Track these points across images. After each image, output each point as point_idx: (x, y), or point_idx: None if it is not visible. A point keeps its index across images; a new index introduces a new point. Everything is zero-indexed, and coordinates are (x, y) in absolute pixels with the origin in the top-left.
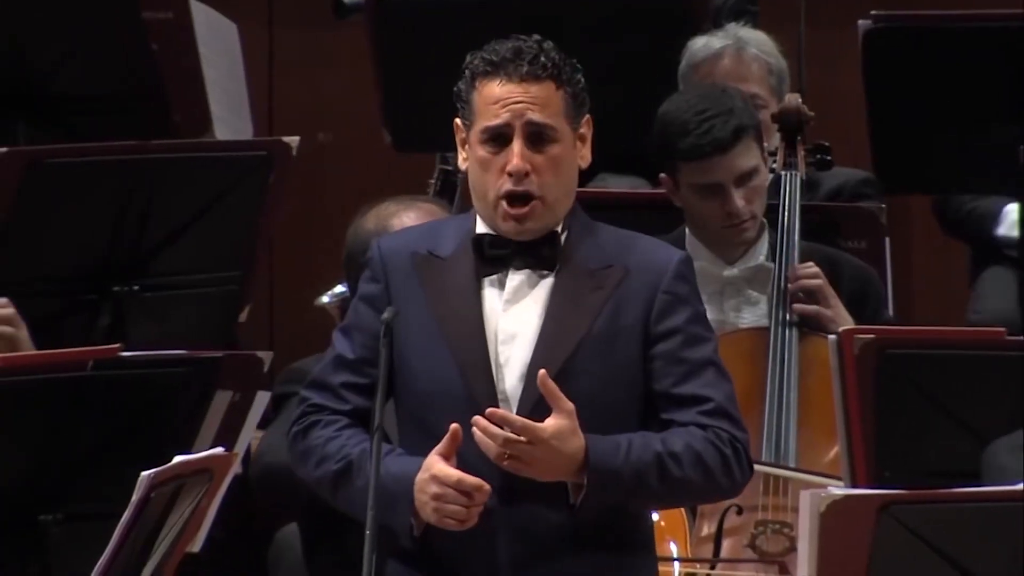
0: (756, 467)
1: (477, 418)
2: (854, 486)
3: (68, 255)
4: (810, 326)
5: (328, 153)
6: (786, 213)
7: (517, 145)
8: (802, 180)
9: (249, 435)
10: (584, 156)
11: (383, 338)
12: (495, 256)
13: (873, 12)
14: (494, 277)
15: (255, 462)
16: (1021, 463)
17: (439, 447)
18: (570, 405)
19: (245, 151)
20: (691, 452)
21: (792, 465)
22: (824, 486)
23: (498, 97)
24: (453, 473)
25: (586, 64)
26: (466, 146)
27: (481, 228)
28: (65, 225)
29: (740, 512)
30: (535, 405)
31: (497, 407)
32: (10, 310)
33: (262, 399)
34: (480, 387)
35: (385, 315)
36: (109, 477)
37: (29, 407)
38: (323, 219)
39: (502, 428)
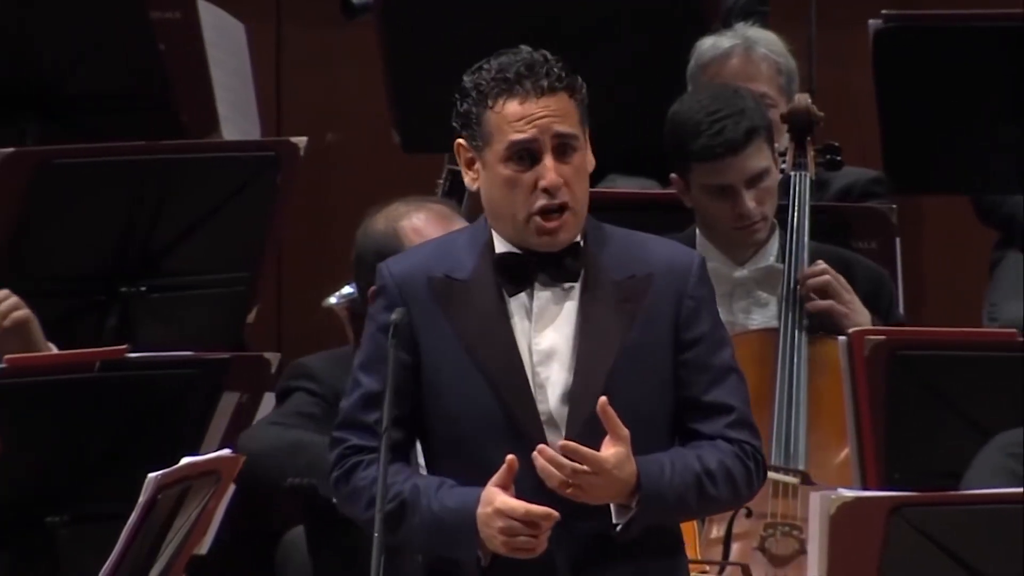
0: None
1: (543, 448)
2: (864, 488)
3: (76, 256)
4: (826, 324)
5: (336, 153)
6: (796, 214)
7: (550, 160)
8: (812, 180)
9: None
10: (590, 161)
11: (391, 339)
12: (519, 275)
13: (884, 11)
14: (520, 295)
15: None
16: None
17: (496, 479)
18: (626, 431)
19: (253, 151)
20: (723, 469)
21: (802, 467)
22: (834, 488)
23: (522, 114)
24: (519, 506)
25: (594, 64)
26: (474, 166)
27: (501, 247)
28: (74, 226)
29: (749, 515)
30: (583, 427)
31: (543, 431)
32: (14, 298)
33: (269, 400)
34: (522, 411)
35: (393, 316)
36: (116, 479)
37: (36, 408)
38: (331, 220)
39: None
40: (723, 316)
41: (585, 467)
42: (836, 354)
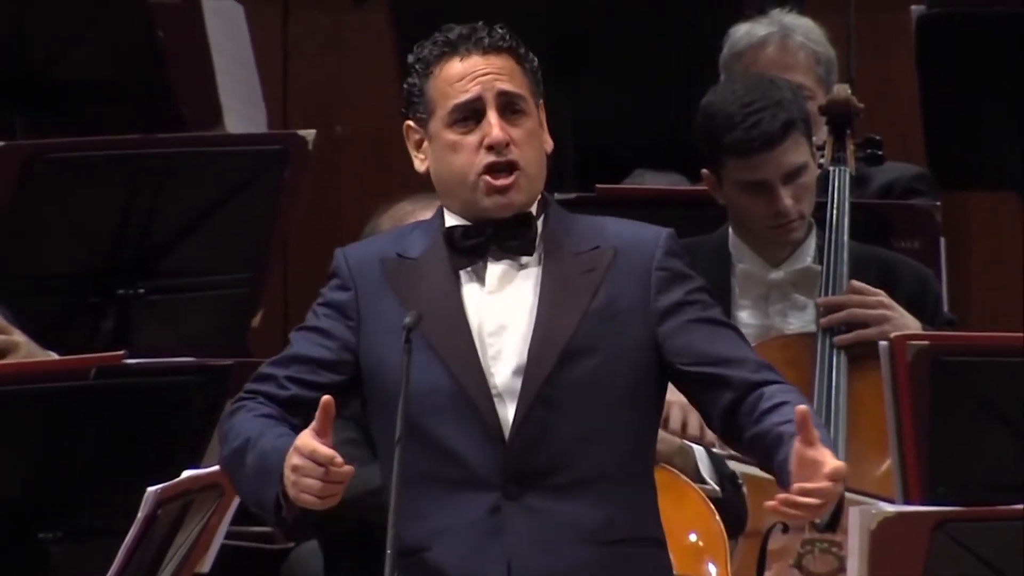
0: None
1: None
2: (907, 502)
3: (69, 256)
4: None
5: (346, 146)
6: (835, 211)
7: (493, 116)
8: (851, 176)
9: None
10: (547, 141)
11: (404, 344)
12: (469, 247)
13: None
14: (471, 270)
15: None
16: None
17: (313, 424)
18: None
19: (258, 145)
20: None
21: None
22: (874, 502)
23: (463, 73)
24: (309, 443)
25: (617, 50)
26: (423, 146)
27: (452, 221)
28: (66, 224)
29: (786, 530)
30: (534, 400)
31: (493, 405)
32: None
33: None
34: (471, 382)
35: (407, 320)
36: (113, 493)
37: (28, 418)
38: (341, 218)
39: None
40: (757, 320)
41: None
42: (877, 360)
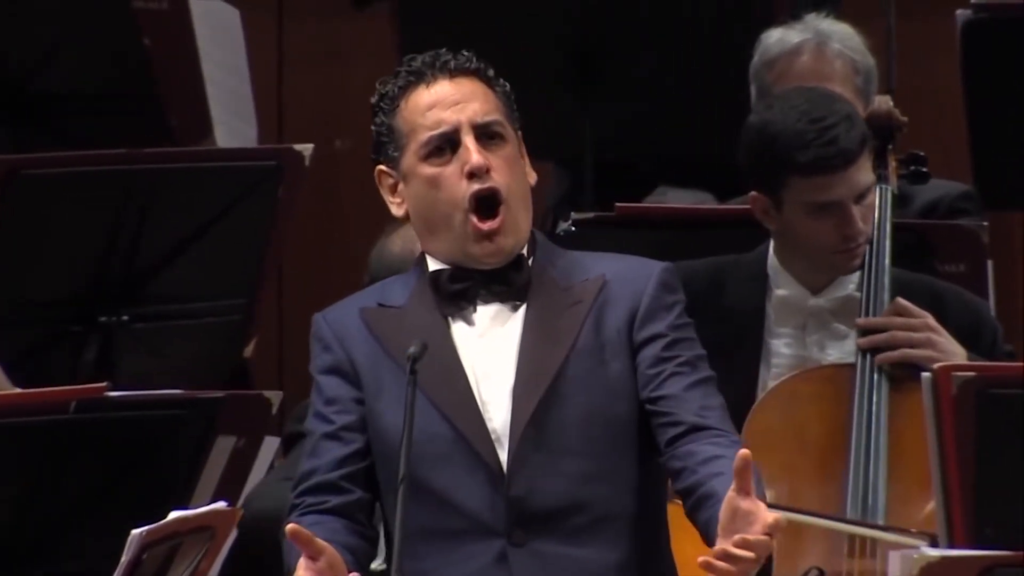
0: (839, 526)
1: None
2: (951, 546)
3: (49, 280)
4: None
5: (346, 162)
6: (876, 233)
7: (470, 141)
8: (894, 194)
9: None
10: (531, 174)
11: (409, 375)
12: (457, 291)
13: (973, 1)
14: (458, 314)
15: (245, 507)
16: None
17: (301, 560)
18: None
19: (251, 160)
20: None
21: (881, 523)
22: (916, 546)
23: (432, 101)
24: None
25: (637, 59)
26: (397, 189)
27: (435, 266)
28: (46, 245)
29: (822, 574)
30: (521, 443)
31: (492, 446)
32: None
33: (270, 445)
34: (470, 427)
35: (411, 350)
36: (94, 535)
37: (3, 454)
38: (340, 239)
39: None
40: (793, 350)
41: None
42: (919, 393)
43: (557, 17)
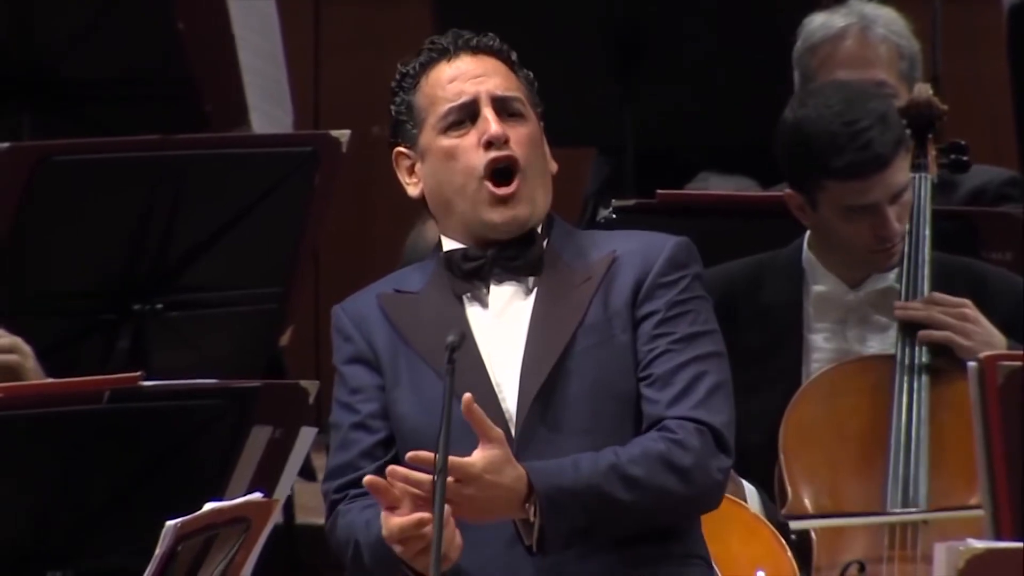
0: (880, 518)
1: (393, 468)
2: (998, 538)
3: (81, 268)
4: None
5: (382, 149)
6: (915, 223)
7: (489, 112)
8: (933, 184)
9: (292, 478)
10: (551, 162)
11: (447, 364)
12: (471, 269)
13: None
14: (473, 294)
15: None
16: None
17: (382, 508)
18: (499, 432)
19: (287, 147)
20: (643, 450)
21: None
22: (963, 536)
23: (454, 75)
24: (391, 527)
25: (679, 44)
26: (415, 169)
27: (450, 245)
28: (78, 233)
29: (862, 569)
30: (532, 423)
31: (507, 427)
32: (8, 339)
33: (307, 436)
34: (484, 410)
35: (450, 338)
36: (128, 527)
37: (36, 445)
38: (376, 225)
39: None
40: (834, 344)
41: (450, 477)
42: (964, 384)
43: (599, 3)
